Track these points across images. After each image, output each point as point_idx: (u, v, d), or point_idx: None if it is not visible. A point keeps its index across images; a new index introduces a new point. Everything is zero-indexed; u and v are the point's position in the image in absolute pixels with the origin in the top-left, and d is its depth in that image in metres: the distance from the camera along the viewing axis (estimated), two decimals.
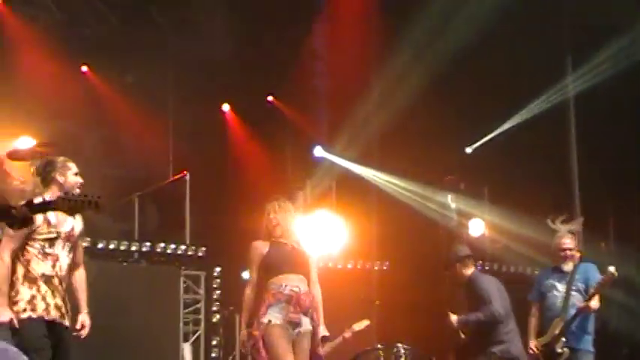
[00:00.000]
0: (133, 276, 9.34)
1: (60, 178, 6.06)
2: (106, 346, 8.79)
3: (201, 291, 9.80)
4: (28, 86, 10.17)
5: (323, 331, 6.76)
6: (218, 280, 9.96)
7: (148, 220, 11.11)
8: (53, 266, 5.96)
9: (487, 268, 11.19)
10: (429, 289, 10.68)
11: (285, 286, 6.58)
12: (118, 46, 10.89)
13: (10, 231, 5.83)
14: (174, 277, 9.58)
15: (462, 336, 7.88)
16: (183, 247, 9.68)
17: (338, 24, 11.42)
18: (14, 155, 9.51)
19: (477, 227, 11.51)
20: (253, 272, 6.77)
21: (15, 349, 5.66)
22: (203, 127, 11.57)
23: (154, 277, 9.49)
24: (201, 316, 9.78)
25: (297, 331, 6.56)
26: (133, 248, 9.39)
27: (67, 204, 4.87)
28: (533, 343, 7.43)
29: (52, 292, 5.92)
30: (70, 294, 6.12)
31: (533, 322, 7.56)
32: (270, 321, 6.48)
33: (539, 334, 7.46)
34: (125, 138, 11.31)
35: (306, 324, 6.60)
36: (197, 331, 9.75)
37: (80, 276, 6.23)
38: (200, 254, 9.74)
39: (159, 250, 9.52)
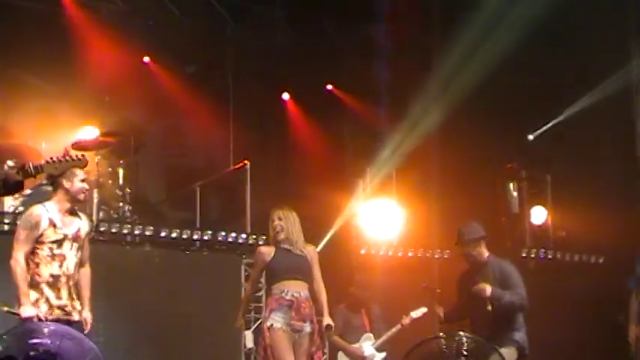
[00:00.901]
0: (195, 264, 9.45)
1: (66, 184, 6.29)
2: (168, 333, 8.93)
3: (262, 279, 9.84)
4: (92, 77, 10.32)
5: (328, 320, 7.25)
6: None
7: (209, 208, 11.21)
8: (60, 266, 6.22)
9: (550, 256, 11.07)
10: None
11: (287, 291, 7.10)
12: (179, 36, 10.98)
13: (21, 235, 6.17)
14: (235, 266, 9.66)
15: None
16: (244, 235, 9.73)
17: (398, 11, 11.36)
18: (78, 145, 9.69)
19: (540, 215, 11.39)
20: (255, 272, 7.48)
21: (82, 335, 5.83)
22: (263, 116, 11.63)
23: (215, 265, 9.59)
24: (262, 304, 9.82)
25: (297, 335, 7.08)
26: (195, 237, 9.48)
27: (54, 165, 5.35)
28: (633, 330, 7.30)
29: (57, 293, 6.17)
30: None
31: (632, 308, 7.42)
32: (272, 325, 7.02)
33: None
34: (187, 128, 11.42)
35: (306, 328, 7.10)
36: (258, 318, 9.77)
37: (85, 274, 6.44)
38: (261, 243, 9.76)
39: (220, 238, 9.60)
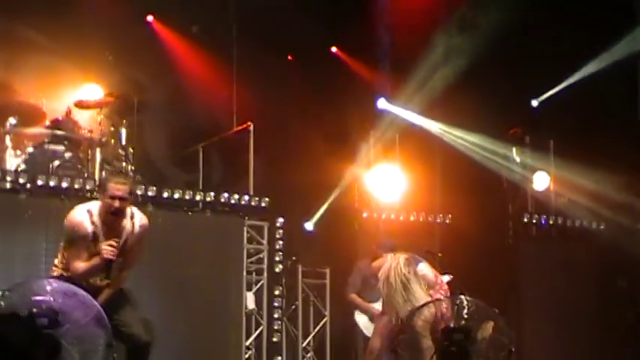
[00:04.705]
0: (198, 225, 9.43)
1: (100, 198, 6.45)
2: (170, 294, 8.95)
3: (264, 241, 9.86)
4: (95, 35, 10.26)
5: None
6: (281, 231, 9.99)
7: (212, 170, 11.20)
8: None
9: (551, 222, 11.07)
10: (492, 242, 10.63)
11: None
12: None
13: None
14: (237, 227, 9.66)
15: None
16: (246, 197, 9.72)
17: None
18: (81, 104, 9.65)
19: (542, 181, 11.38)
20: None
21: (84, 293, 5.85)
22: (267, 77, 11.57)
23: (218, 226, 9.57)
24: (264, 266, 9.85)
25: None
26: (198, 198, 9.44)
27: None
28: None
29: None
30: None
31: None
32: None
33: None
34: (190, 88, 11.36)
35: None
36: (260, 280, 9.83)
37: None
38: (263, 205, 9.78)
39: (223, 200, 9.57)
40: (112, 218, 6.27)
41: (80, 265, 6.21)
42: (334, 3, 11.62)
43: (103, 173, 9.07)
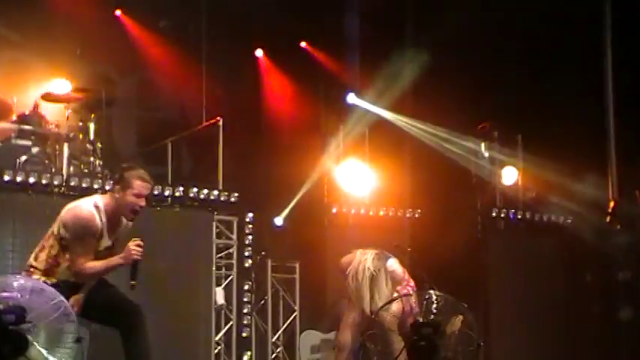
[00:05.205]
0: (167, 220, 9.38)
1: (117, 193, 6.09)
2: (138, 290, 8.87)
3: (234, 236, 9.85)
4: (64, 29, 10.19)
5: None
6: (250, 226, 9.99)
7: (181, 164, 11.17)
8: None
9: (519, 216, 11.15)
10: (460, 237, 10.69)
11: None
12: None
13: None
14: (207, 222, 9.62)
15: None
16: (215, 192, 9.69)
17: None
18: (49, 98, 9.57)
19: (510, 175, 11.45)
20: None
21: (52, 289, 5.81)
22: (236, 72, 11.55)
23: (186, 221, 9.52)
24: (234, 261, 9.84)
25: None
26: (167, 193, 9.39)
27: None
28: None
29: None
30: None
31: None
32: None
33: None
34: (159, 83, 11.32)
35: None
36: (229, 275, 9.82)
37: None
38: (233, 200, 9.75)
39: (192, 195, 9.53)
40: (130, 216, 6.00)
41: (94, 264, 5.92)
42: None
43: (75, 168, 9.02)
